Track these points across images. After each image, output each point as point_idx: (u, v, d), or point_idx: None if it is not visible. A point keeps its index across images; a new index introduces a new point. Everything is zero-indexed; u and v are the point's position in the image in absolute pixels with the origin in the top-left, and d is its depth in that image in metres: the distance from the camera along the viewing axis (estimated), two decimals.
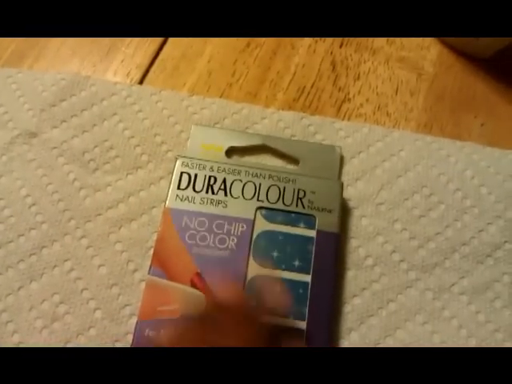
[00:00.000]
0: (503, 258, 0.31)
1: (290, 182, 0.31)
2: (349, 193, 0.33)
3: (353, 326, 0.29)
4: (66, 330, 0.29)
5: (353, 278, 0.30)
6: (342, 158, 0.34)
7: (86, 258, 0.30)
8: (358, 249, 0.31)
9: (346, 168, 0.33)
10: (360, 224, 0.32)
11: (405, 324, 0.29)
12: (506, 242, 0.32)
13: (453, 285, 0.30)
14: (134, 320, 0.29)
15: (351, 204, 0.32)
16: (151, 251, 0.31)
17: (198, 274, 0.29)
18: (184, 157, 0.32)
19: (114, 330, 0.29)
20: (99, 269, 0.30)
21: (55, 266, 0.30)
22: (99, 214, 0.32)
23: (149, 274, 0.29)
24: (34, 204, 0.32)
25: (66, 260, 0.30)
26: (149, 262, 0.30)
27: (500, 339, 0.29)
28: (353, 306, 0.30)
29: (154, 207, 0.32)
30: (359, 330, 0.29)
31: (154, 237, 0.31)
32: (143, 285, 0.30)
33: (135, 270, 0.30)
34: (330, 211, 0.31)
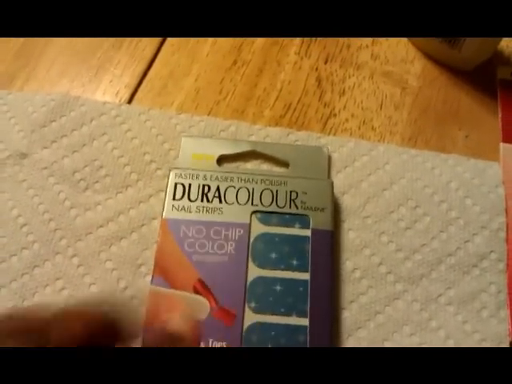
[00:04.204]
0: (489, 268, 0.32)
1: (282, 185, 0.32)
2: (336, 207, 0.33)
3: (341, 338, 0.30)
4: None
5: (341, 292, 0.31)
6: (329, 158, 0.34)
7: (78, 277, 0.31)
8: (346, 262, 0.32)
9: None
10: (347, 237, 0.32)
11: (392, 336, 0.30)
12: (491, 252, 0.32)
13: (440, 295, 0.31)
14: None
15: (338, 218, 0.33)
16: (142, 268, 0.31)
17: (200, 281, 0.29)
18: (177, 168, 0.33)
19: None
20: (90, 287, 0.31)
21: (47, 285, 0.31)
22: (90, 233, 0.32)
23: (151, 283, 0.29)
24: (25, 224, 0.32)
25: (57, 279, 0.31)
26: (139, 279, 0.31)
27: None
28: (341, 320, 0.30)
29: (143, 225, 0.32)
30: (347, 343, 0.29)
31: (145, 254, 0.31)
32: (134, 302, 0.30)
33: (126, 288, 0.31)
34: (322, 210, 0.31)
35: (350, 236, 0.32)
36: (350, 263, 0.32)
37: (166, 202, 0.31)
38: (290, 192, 0.32)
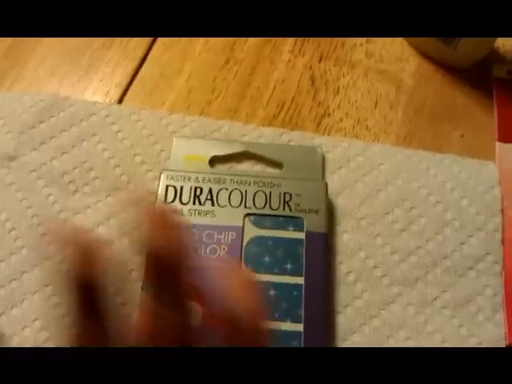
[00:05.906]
0: (485, 270, 0.31)
1: (276, 187, 0.32)
2: (330, 208, 0.32)
3: (336, 343, 0.29)
4: None
5: (335, 295, 0.30)
6: (323, 159, 0.34)
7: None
8: (340, 265, 0.31)
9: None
10: (342, 240, 0.32)
11: (388, 340, 0.29)
12: (487, 254, 0.32)
13: (435, 299, 0.30)
14: None
15: (333, 220, 0.32)
16: (132, 274, 0.30)
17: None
18: (168, 170, 0.32)
19: None
20: None
21: (36, 292, 0.30)
22: None
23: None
24: (13, 228, 0.32)
25: (46, 285, 0.30)
26: (129, 285, 0.30)
27: None
28: (335, 324, 0.30)
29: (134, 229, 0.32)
30: None
31: (135, 259, 0.31)
32: (124, 308, 0.30)
33: (116, 294, 0.30)
34: (316, 212, 0.31)
35: (344, 238, 0.32)
36: (344, 266, 0.31)
37: (157, 205, 0.31)
38: (284, 194, 0.31)
